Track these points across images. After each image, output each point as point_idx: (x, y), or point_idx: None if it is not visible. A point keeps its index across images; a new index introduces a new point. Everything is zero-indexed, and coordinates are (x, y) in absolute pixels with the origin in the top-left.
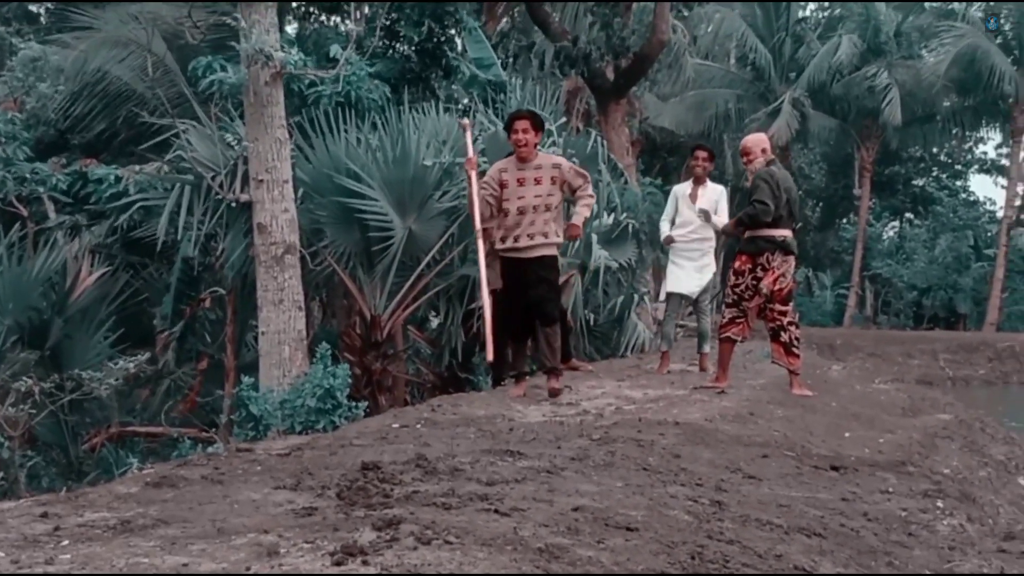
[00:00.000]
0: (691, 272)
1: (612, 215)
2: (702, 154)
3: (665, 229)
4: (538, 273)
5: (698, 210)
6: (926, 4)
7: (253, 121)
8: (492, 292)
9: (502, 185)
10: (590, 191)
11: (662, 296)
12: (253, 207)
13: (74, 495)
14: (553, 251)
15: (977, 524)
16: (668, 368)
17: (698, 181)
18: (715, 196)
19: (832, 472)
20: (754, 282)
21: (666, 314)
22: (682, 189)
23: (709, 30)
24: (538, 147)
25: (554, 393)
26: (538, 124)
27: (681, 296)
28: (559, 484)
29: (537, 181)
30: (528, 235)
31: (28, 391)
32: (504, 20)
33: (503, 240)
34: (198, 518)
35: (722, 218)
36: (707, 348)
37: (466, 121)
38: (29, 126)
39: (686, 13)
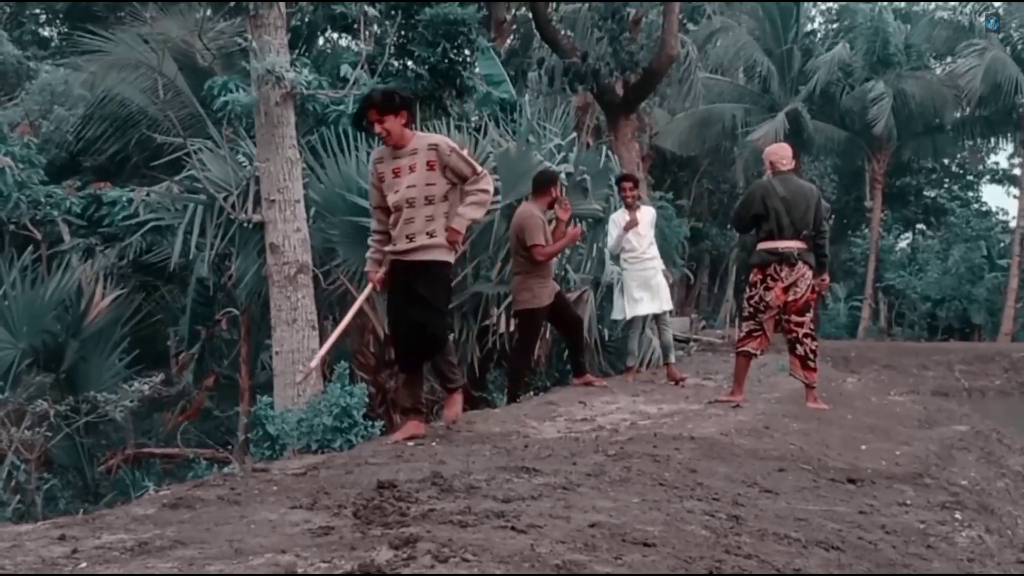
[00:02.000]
0: (648, 297)
1: None
2: (627, 184)
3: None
4: (418, 288)
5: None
6: (936, 16)
7: (264, 142)
8: (527, 311)
9: (380, 179)
10: (483, 185)
11: (618, 315)
12: (265, 227)
13: (91, 517)
14: (440, 255)
15: (996, 535)
16: (634, 378)
17: (630, 208)
18: (649, 217)
19: (849, 485)
20: (765, 292)
21: (630, 333)
22: (620, 217)
23: (717, 44)
24: (411, 127)
25: (449, 422)
26: (390, 105)
27: (644, 317)
28: (575, 500)
29: (412, 168)
30: (407, 236)
31: (44, 414)
32: (512, 37)
33: (392, 244)
34: (215, 539)
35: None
36: (672, 358)
37: None
38: (42, 149)
39: (691, 28)
